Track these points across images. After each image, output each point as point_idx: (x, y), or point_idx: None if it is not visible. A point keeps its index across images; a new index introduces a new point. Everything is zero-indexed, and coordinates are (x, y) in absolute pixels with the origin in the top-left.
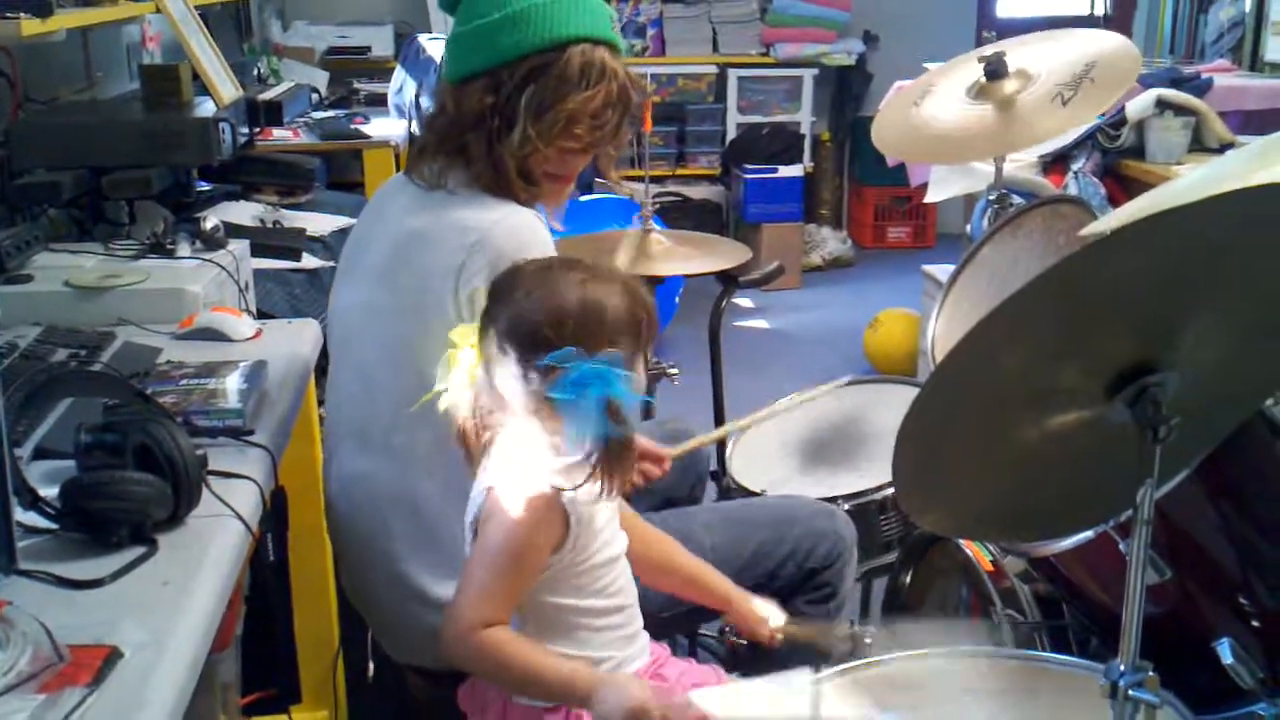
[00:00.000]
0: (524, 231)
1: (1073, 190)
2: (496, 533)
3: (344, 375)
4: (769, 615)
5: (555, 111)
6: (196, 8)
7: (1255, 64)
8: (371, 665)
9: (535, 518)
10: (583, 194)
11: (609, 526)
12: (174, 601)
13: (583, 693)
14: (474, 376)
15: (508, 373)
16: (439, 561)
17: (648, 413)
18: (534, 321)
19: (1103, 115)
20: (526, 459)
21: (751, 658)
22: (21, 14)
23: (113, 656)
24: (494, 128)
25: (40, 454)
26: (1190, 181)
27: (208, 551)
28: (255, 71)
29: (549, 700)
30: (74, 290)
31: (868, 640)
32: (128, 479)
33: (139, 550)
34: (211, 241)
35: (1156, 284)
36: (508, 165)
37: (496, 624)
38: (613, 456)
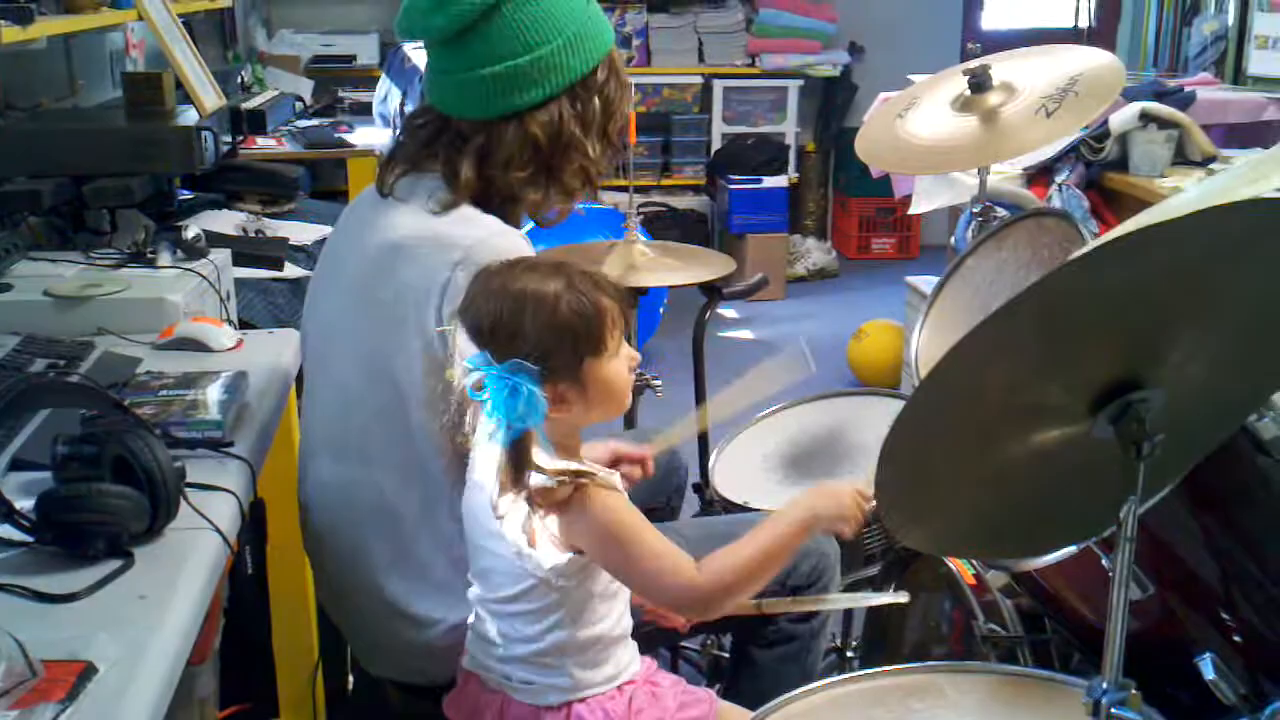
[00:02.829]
0: (508, 249)
1: (1056, 202)
2: (611, 522)
3: (320, 387)
4: None
5: (618, 115)
6: (180, 15)
7: (1238, 77)
8: (351, 678)
9: (615, 492)
10: None
11: None
12: (150, 615)
13: (806, 521)
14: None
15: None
16: (415, 574)
17: (629, 423)
18: (481, 321)
19: (1086, 128)
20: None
21: (733, 671)
22: (2, 21)
23: (87, 672)
24: (586, 146)
25: (16, 465)
26: (1186, 199)
27: (185, 565)
28: (239, 80)
29: (793, 551)
30: (53, 299)
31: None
32: (104, 491)
33: (115, 563)
34: (193, 251)
35: (1141, 300)
36: (595, 176)
37: (690, 565)
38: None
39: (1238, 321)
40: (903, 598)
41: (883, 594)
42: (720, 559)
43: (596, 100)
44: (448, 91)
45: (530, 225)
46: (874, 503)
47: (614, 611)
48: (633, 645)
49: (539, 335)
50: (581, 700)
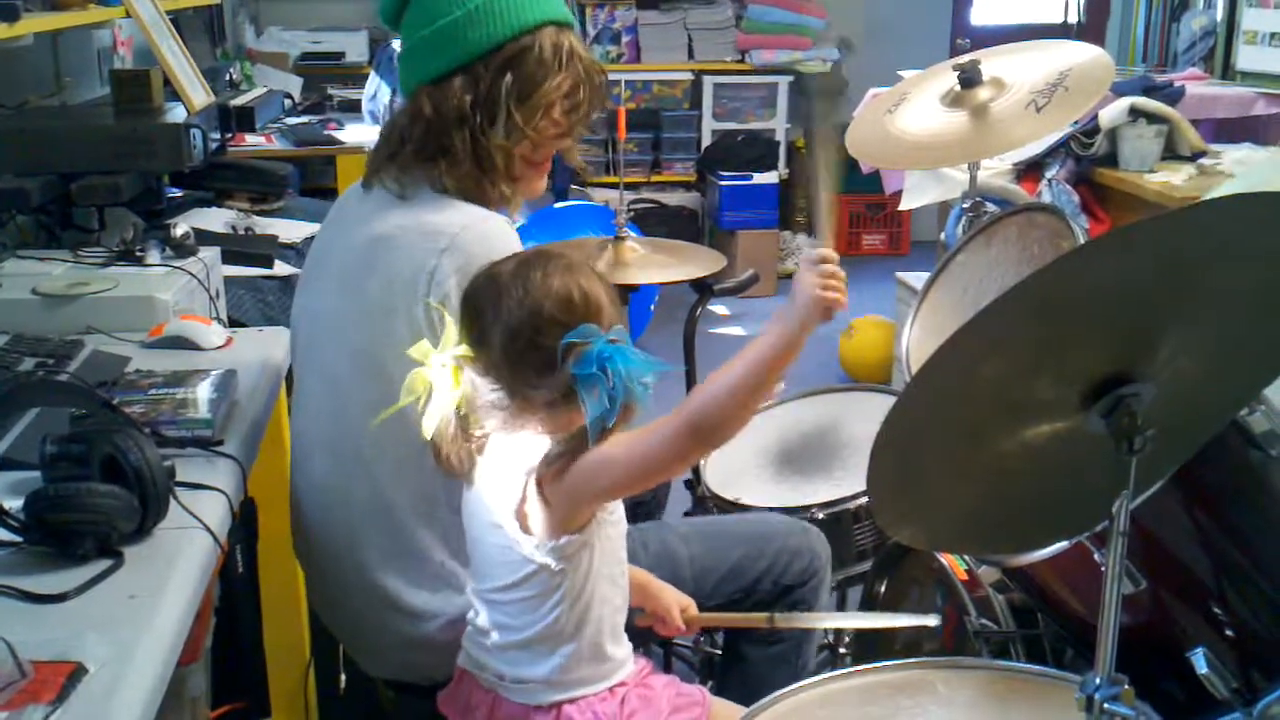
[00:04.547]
0: (493, 236)
1: (1046, 197)
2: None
3: (311, 383)
4: (685, 603)
5: (536, 97)
6: (169, 12)
7: (1226, 72)
8: (343, 677)
9: None
10: (557, 201)
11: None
12: (140, 615)
13: (787, 333)
14: (461, 389)
15: (517, 374)
16: (412, 568)
17: None
18: (539, 318)
19: (1076, 123)
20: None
21: (725, 668)
22: None
23: (77, 672)
24: (478, 123)
25: (5, 465)
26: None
27: (175, 564)
28: (228, 77)
29: (778, 367)
30: (42, 298)
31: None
32: (93, 491)
33: (105, 563)
34: (182, 248)
35: (1132, 295)
36: (495, 159)
37: (662, 419)
38: (620, 420)
39: (1228, 316)
40: (932, 620)
41: (905, 615)
42: (699, 395)
43: (507, 77)
44: (399, 71)
45: (521, 221)
46: (831, 256)
47: (613, 599)
48: (627, 646)
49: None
50: (572, 701)
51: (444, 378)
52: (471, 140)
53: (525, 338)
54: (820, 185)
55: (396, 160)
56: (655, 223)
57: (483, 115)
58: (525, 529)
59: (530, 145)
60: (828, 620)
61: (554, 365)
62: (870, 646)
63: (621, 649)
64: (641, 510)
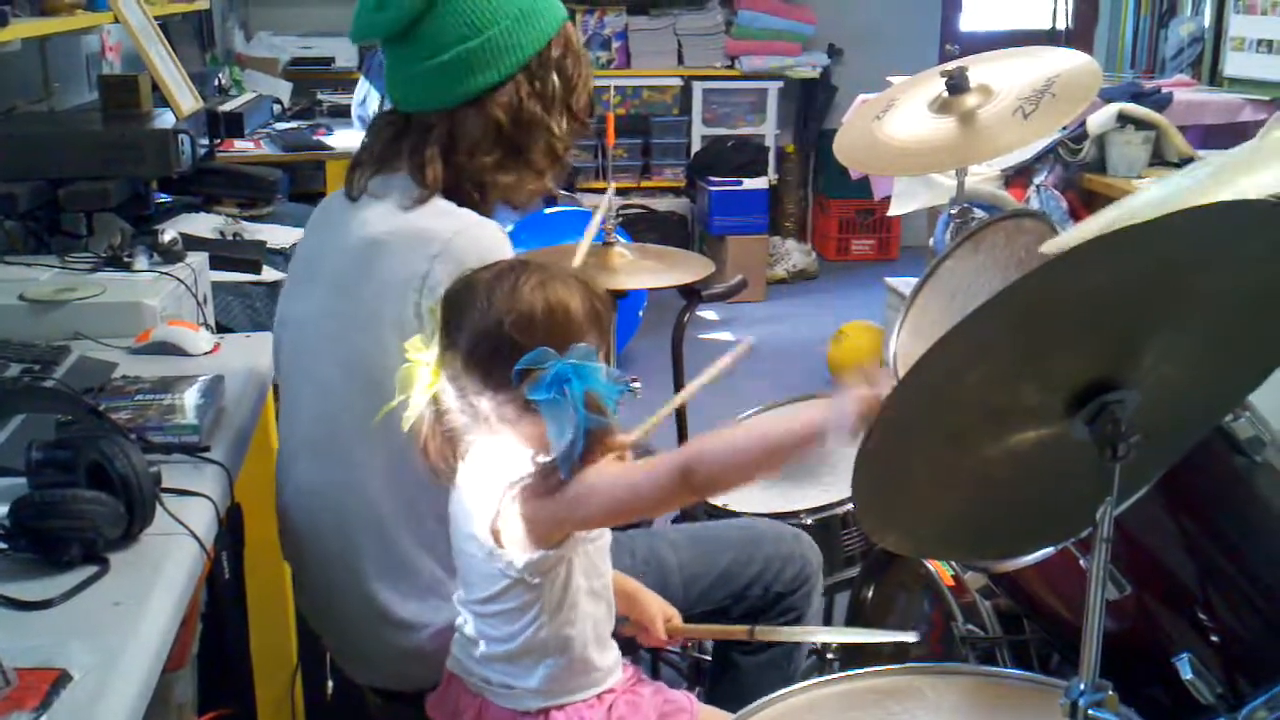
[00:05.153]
0: (487, 241)
1: (1034, 203)
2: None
3: (299, 389)
4: (670, 613)
5: (579, 90)
6: (157, 18)
7: (1215, 79)
8: (330, 684)
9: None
10: (546, 206)
11: None
12: (125, 622)
13: (818, 425)
14: (437, 393)
15: (480, 385)
16: (400, 578)
17: None
18: (499, 333)
19: (1064, 129)
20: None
21: (716, 674)
22: None
23: (61, 679)
24: (549, 123)
25: None
26: (1149, 198)
27: (161, 571)
28: (217, 82)
29: (793, 456)
30: (28, 304)
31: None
32: (79, 497)
33: (90, 570)
34: (170, 254)
35: (1116, 302)
36: (563, 153)
37: (657, 458)
38: (595, 446)
39: (1212, 323)
40: (911, 637)
41: (885, 632)
42: (711, 437)
43: (555, 75)
44: (406, 87)
45: (510, 226)
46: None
47: (596, 611)
48: (615, 653)
49: (562, 341)
50: (560, 708)
51: (425, 375)
52: (547, 141)
53: (484, 352)
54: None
55: (419, 168)
56: (645, 228)
57: (550, 115)
58: (498, 543)
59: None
60: (808, 635)
61: (509, 385)
62: (858, 652)
63: (608, 656)
64: (634, 526)
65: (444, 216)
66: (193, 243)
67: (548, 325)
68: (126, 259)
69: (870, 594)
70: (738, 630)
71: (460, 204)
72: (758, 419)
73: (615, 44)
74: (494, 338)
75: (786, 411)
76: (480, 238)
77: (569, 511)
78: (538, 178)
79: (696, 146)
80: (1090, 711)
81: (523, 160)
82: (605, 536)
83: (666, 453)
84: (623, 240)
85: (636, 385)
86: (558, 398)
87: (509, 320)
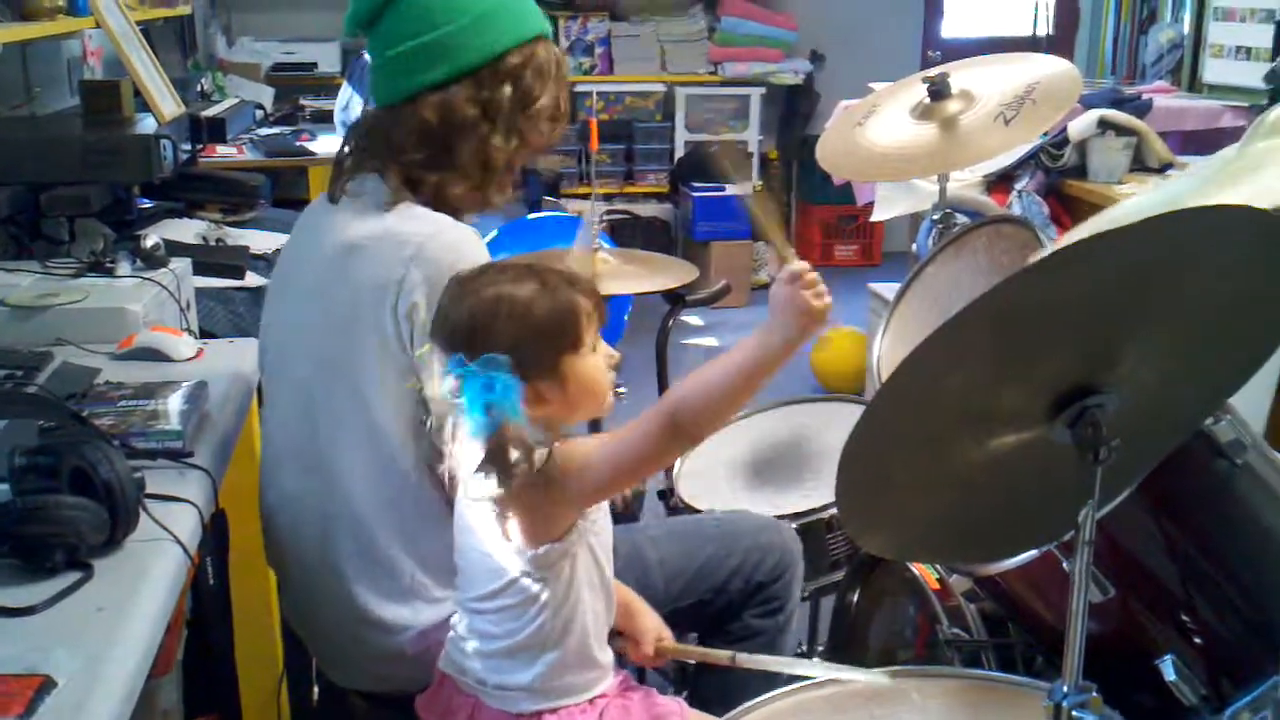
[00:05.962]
0: (462, 244)
1: (1016, 209)
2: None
3: (281, 394)
4: (663, 634)
5: (534, 108)
6: (139, 23)
7: (1194, 85)
8: (316, 689)
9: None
10: (530, 212)
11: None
12: (109, 628)
13: (774, 342)
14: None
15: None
16: (384, 579)
17: (594, 428)
18: (451, 340)
19: (1045, 135)
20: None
21: (699, 675)
22: None
23: (46, 686)
24: (485, 132)
25: None
26: (1138, 205)
27: (145, 576)
28: (199, 87)
29: (765, 375)
30: (10, 309)
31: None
32: (62, 503)
33: (74, 576)
34: (152, 260)
35: (1096, 306)
36: (498, 165)
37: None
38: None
39: (1190, 327)
40: (885, 681)
41: (864, 670)
42: (686, 381)
43: (507, 87)
44: (373, 81)
45: (495, 232)
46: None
47: (596, 605)
48: (609, 658)
49: (514, 336)
50: (553, 711)
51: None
52: (478, 147)
53: (444, 345)
54: (770, 230)
55: (383, 168)
56: (628, 234)
57: (488, 124)
58: (504, 535)
59: (523, 155)
60: (790, 666)
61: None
62: (843, 655)
63: (605, 655)
64: (613, 519)
65: (418, 220)
66: (175, 248)
67: (486, 335)
68: (109, 264)
69: (855, 598)
70: (721, 656)
71: (429, 205)
72: (723, 354)
73: (598, 50)
74: (452, 338)
75: (750, 343)
76: (456, 241)
77: (568, 488)
78: (466, 183)
79: (679, 152)
80: (1074, 713)
81: (449, 163)
82: (608, 532)
83: (644, 413)
84: (607, 246)
85: (622, 390)
86: (461, 404)
87: (461, 323)
